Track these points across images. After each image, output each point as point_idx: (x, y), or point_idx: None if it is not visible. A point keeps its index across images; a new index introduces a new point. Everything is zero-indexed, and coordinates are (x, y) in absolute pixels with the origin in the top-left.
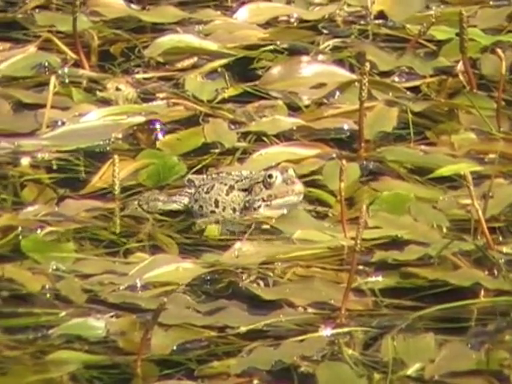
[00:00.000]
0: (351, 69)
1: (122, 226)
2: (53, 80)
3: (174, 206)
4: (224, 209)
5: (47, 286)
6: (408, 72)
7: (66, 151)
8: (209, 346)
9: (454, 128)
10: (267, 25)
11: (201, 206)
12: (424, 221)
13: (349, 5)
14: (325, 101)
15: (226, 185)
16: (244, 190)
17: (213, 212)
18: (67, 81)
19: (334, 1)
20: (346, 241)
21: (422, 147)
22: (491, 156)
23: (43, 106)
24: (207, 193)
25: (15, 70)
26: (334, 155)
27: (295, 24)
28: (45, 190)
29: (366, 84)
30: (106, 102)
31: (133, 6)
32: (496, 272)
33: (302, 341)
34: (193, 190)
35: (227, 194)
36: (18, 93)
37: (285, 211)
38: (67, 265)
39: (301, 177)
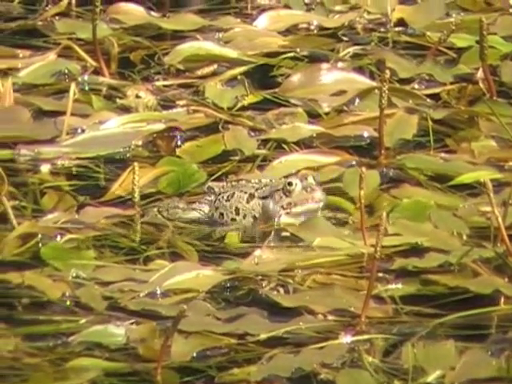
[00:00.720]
0: (371, 76)
1: (142, 233)
2: (73, 87)
3: (194, 214)
4: (245, 216)
5: (67, 294)
6: (428, 79)
7: (85, 158)
8: (229, 353)
9: (474, 135)
10: (287, 32)
11: (221, 214)
12: (444, 228)
13: (369, 12)
14: (345, 108)
15: (246, 193)
16: (264, 198)
17: (233, 220)
18: (87, 88)
19: (354, 8)
20: (365, 248)
21: (442, 154)
22: (511, 163)
23: (63, 113)
24: (227, 201)
25: (35, 77)
26: (354, 162)
27: (315, 31)
28: (65, 197)
29: (386, 91)
30: (125, 110)
31: (153, 13)
32: None
33: (321, 348)
34: (212, 198)
35: (248, 202)
36: (38, 100)
37: (304, 219)
38: (87, 272)
39: (321, 184)
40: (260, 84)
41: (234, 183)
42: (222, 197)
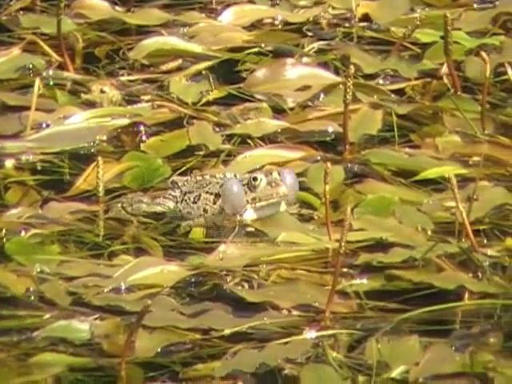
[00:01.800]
0: (336, 71)
1: (107, 228)
2: (37, 82)
3: (158, 209)
4: (213, 215)
5: (31, 289)
6: (392, 75)
7: (50, 153)
8: (193, 348)
9: (439, 131)
10: (252, 27)
11: (189, 213)
12: (408, 223)
13: (333, 7)
14: (309, 103)
15: (212, 194)
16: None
17: (201, 215)
18: (52, 83)
19: (319, 3)
20: (330, 243)
21: (407, 150)
22: (475, 159)
23: (28, 108)
24: (195, 203)
25: (0, 72)
26: (319, 158)
27: (280, 26)
28: (29, 192)
29: (351, 87)
30: (90, 105)
31: (117, 8)
32: (480, 274)
33: (286, 343)
34: (177, 193)
35: (214, 203)
36: (2, 95)
37: (269, 214)
38: (51, 267)
39: (299, 180)
40: (225, 79)
41: (198, 178)
42: (189, 198)
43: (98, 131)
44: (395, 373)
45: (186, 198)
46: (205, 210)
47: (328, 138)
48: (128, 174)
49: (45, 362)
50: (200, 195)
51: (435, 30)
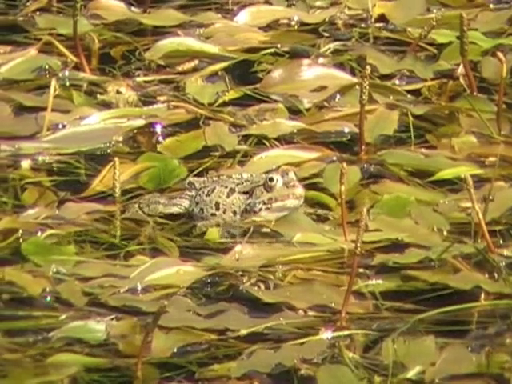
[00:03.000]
0: (352, 72)
1: (123, 228)
2: (53, 83)
3: (175, 209)
4: (225, 211)
5: (47, 289)
6: (409, 75)
7: (66, 154)
8: (209, 348)
9: (455, 131)
10: (268, 28)
11: (201, 209)
12: (424, 224)
13: (349, 8)
14: (325, 104)
15: (226, 187)
16: (245, 193)
17: (213, 215)
18: (68, 84)
19: (335, 4)
20: (346, 244)
21: (423, 150)
22: (491, 159)
23: (44, 108)
24: (208, 195)
25: (16, 72)
26: (335, 158)
27: (296, 27)
28: (45, 192)
29: (367, 87)
30: (106, 105)
31: (133, 8)
32: (496, 275)
33: (302, 344)
34: (193, 193)
35: (228, 197)
36: (18, 96)
37: (285, 214)
38: (68, 268)
39: (301, 180)
40: (241, 80)
41: (214, 178)
42: (203, 192)
43: (114, 132)
44: (411, 373)
45: (200, 192)
46: (217, 205)
47: (344, 139)
48: (144, 174)
49: (61, 363)
50: (214, 188)
51: (451, 31)
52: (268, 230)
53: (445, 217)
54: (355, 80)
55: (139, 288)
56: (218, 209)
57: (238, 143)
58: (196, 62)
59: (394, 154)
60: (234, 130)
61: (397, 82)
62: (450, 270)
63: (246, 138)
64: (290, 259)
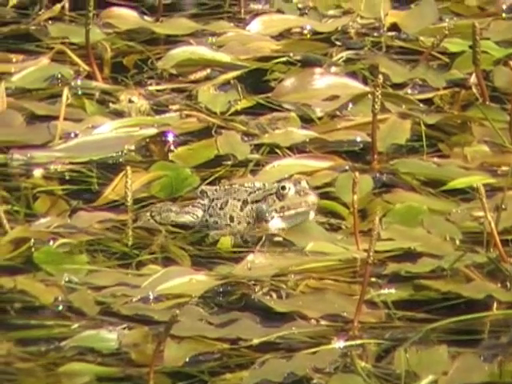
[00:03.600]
0: (364, 81)
1: (135, 237)
2: (66, 92)
3: (187, 218)
4: (239, 223)
5: (60, 298)
6: (421, 84)
7: (78, 163)
8: (221, 358)
9: (467, 140)
10: (280, 37)
11: (216, 222)
12: (437, 233)
13: (362, 17)
14: (338, 113)
15: (239, 200)
16: (257, 202)
17: (228, 225)
18: (80, 93)
19: (348, 13)
20: (358, 253)
21: (435, 159)
22: (504, 168)
23: (56, 117)
24: (221, 209)
25: (28, 81)
26: (347, 167)
27: (308, 36)
28: (57, 201)
29: (379, 96)
30: (118, 114)
31: (146, 17)
32: (509, 284)
33: (314, 353)
34: (206, 202)
35: (241, 210)
36: (30, 105)
37: (298, 223)
38: (80, 277)
39: (314, 189)
40: (253, 88)
41: (226, 187)
42: (216, 204)
43: (126, 141)
44: (424, 382)
45: (213, 204)
46: (231, 218)
47: (356, 148)
48: (156, 183)
49: (73, 372)
50: (227, 201)
51: (464, 40)
52: (280, 238)
53: (457, 226)
54: (367, 89)
55: (151, 297)
56: (232, 221)
57: (250, 152)
58: (208, 70)
59: (406, 163)
60: (246, 138)
61: (409, 91)
62: (462, 279)
63: (258, 146)
64: (302, 268)
